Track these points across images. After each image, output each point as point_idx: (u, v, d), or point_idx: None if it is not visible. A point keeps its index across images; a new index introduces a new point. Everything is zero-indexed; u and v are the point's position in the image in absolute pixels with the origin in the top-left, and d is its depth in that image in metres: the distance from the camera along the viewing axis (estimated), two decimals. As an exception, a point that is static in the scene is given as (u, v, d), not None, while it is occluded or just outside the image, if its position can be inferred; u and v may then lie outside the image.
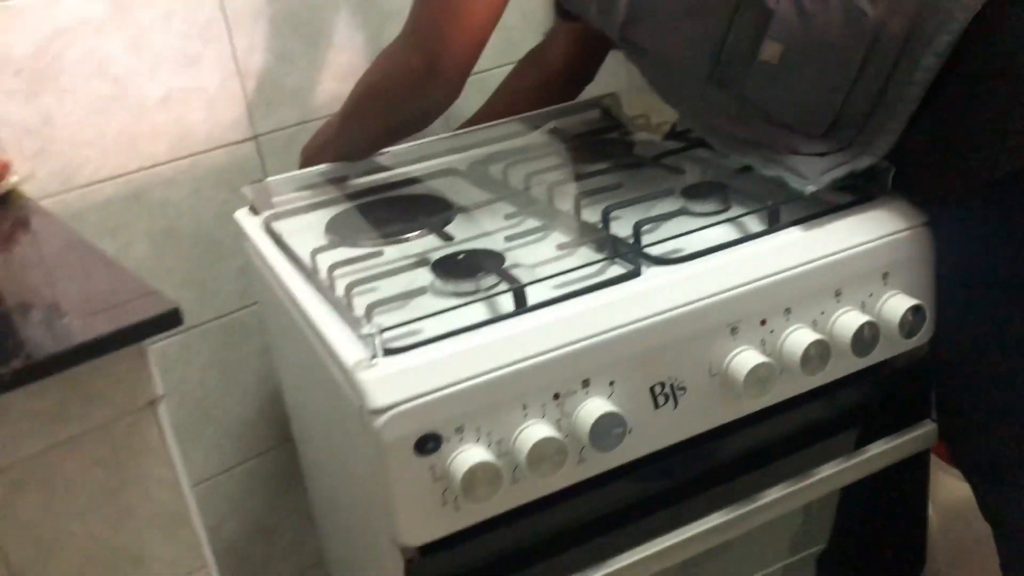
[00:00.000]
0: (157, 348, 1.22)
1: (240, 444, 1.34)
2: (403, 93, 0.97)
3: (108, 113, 1.13)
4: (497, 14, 0.93)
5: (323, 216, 1.05)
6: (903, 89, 0.79)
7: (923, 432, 0.91)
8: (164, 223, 1.20)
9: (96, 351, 0.69)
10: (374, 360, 0.71)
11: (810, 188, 0.83)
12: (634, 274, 0.79)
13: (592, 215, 0.90)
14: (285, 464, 1.36)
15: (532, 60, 1.25)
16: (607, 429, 0.74)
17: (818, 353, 0.80)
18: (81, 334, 0.70)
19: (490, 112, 1.21)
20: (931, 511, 1.08)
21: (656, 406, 0.78)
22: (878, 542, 1.04)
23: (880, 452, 0.90)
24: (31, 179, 1.08)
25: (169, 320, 0.71)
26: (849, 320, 0.82)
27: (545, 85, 1.20)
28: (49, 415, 0.70)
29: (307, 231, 1.01)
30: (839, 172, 0.82)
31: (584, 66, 1.20)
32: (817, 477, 0.88)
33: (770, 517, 0.87)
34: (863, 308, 0.83)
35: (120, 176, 1.15)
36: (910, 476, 0.99)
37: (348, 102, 1.07)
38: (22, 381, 0.66)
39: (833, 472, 0.88)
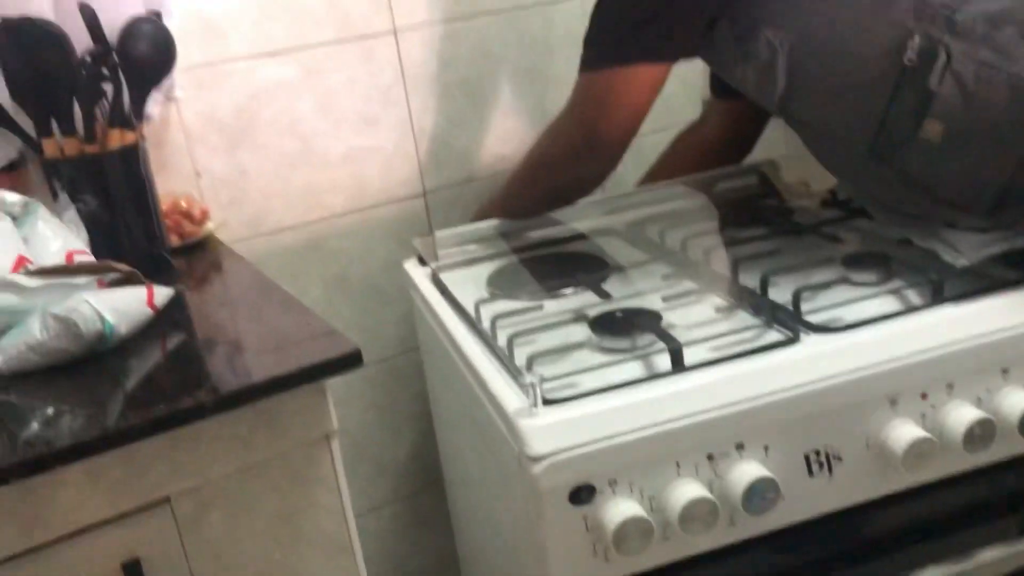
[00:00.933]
0: (322, 387, 1.30)
1: (391, 484, 1.40)
2: (564, 165, 1.03)
3: (295, 168, 1.23)
4: (656, 92, 0.97)
5: (485, 269, 1.10)
6: None
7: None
8: (337, 270, 1.29)
9: (283, 386, 0.76)
10: (534, 409, 0.75)
11: (962, 262, 0.82)
12: (792, 340, 0.80)
13: (750, 280, 0.91)
14: (433, 507, 1.41)
15: (690, 133, 1.28)
16: (760, 493, 0.74)
17: (982, 432, 0.78)
18: (270, 370, 0.76)
19: (648, 181, 1.25)
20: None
21: (811, 474, 0.78)
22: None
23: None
24: (225, 226, 1.19)
25: (350, 361, 0.77)
26: (1016, 400, 0.79)
27: (703, 157, 1.23)
28: (238, 442, 0.77)
29: (470, 283, 1.06)
30: (996, 249, 0.82)
31: (742, 140, 1.23)
32: (976, 562, 0.85)
33: (924, 599, 0.85)
34: (1034, 388, 0.81)
35: (302, 225, 1.25)
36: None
37: (516, 168, 1.13)
38: (219, 409, 0.73)
39: (994, 558, 0.85)
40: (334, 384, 1.34)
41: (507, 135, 1.36)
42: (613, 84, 0.95)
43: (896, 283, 0.88)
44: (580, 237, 1.16)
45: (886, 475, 0.80)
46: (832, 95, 0.89)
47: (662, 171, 1.26)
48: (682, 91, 1.44)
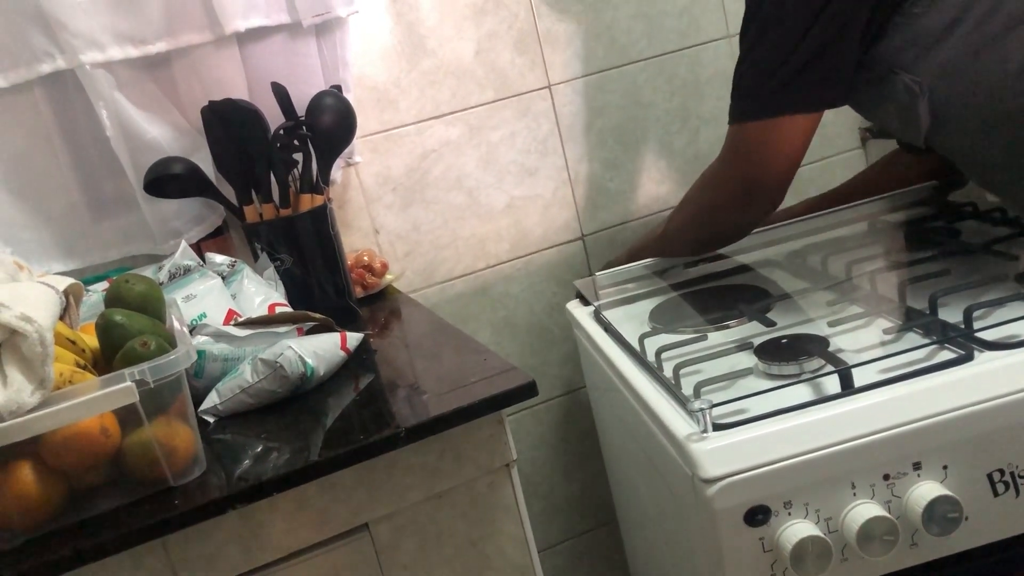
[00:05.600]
0: (495, 426, 1.36)
1: (566, 522, 1.43)
2: (724, 213, 1.05)
3: (462, 220, 1.31)
4: (809, 139, 0.97)
5: (646, 306, 1.13)
6: None
7: None
8: (504, 314, 1.35)
9: (466, 416, 0.82)
10: (705, 433, 0.77)
11: None
12: (966, 358, 0.79)
13: (918, 301, 0.91)
14: (607, 544, 1.44)
15: (876, 171, 1.27)
16: (942, 513, 0.73)
17: None
18: (454, 402, 0.82)
19: (819, 205, 1.24)
20: None
21: (995, 493, 0.76)
22: None
23: None
24: (402, 277, 1.28)
25: (527, 391, 0.82)
26: None
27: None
28: (428, 470, 0.83)
29: (632, 319, 1.10)
30: None
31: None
32: None
33: None
34: None
35: (470, 273, 1.33)
36: None
37: (674, 218, 1.15)
38: (410, 439, 0.80)
39: None
40: (508, 423, 1.39)
41: (661, 176, 1.40)
42: (767, 135, 0.96)
43: (1078, 296, 0.85)
44: (740, 270, 1.17)
45: (1080, 494, 0.77)
46: (980, 127, 0.88)
47: (835, 201, 1.24)
48: (836, 119, 1.44)
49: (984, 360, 0.79)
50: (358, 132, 1.19)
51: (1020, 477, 0.76)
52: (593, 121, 1.35)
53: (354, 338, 0.96)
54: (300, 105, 1.09)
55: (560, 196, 1.36)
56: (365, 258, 1.20)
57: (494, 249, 1.33)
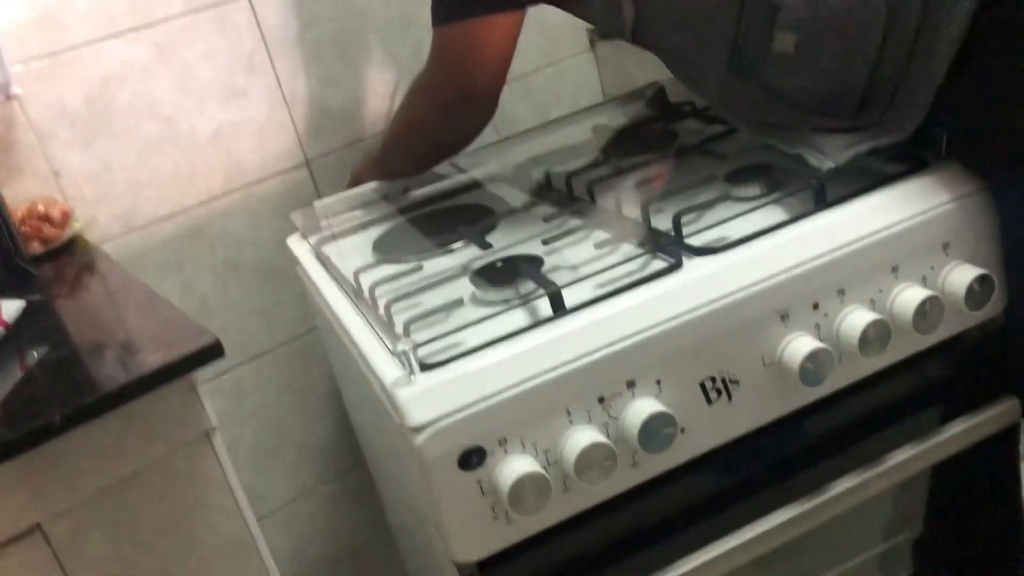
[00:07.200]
0: (231, 376, 1.25)
1: (320, 465, 1.36)
2: (439, 123, 0.99)
3: (162, 153, 1.16)
4: (516, 36, 0.93)
5: (372, 234, 1.05)
6: (927, 63, 0.76)
7: (1006, 407, 0.86)
8: (225, 255, 1.23)
9: (145, 387, 0.71)
10: (411, 377, 0.71)
11: (828, 165, 0.80)
12: (675, 267, 0.77)
13: (634, 210, 0.88)
14: (365, 483, 1.38)
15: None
16: (656, 429, 0.71)
17: (877, 334, 0.76)
18: (130, 372, 0.72)
19: None
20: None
21: (709, 402, 0.75)
22: (974, 524, 0.99)
23: (959, 432, 0.84)
24: (93, 224, 1.12)
25: (212, 352, 0.72)
26: (909, 296, 0.77)
27: None
28: (107, 454, 0.73)
29: (356, 251, 1.01)
30: (862, 148, 0.80)
31: None
32: (891, 462, 0.83)
33: (846, 507, 0.83)
34: (924, 282, 0.79)
35: (179, 213, 1.19)
36: (999, 454, 0.93)
37: (388, 134, 1.08)
38: (77, 421, 0.68)
39: (909, 456, 0.84)
40: (245, 373, 1.29)
41: (387, 90, 1.30)
42: (472, 36, 0.91)
43: (779, 194, 0.85)
44: (468, 188, 1.11)
45: (787, 393, 0.77)
46: (680, 22, 0.86)
47: None
48: (567, 23, 1.39)
49: (692, 267, 0.77)
50: (15, 59, 1.02)
51: (731, 382, 0.76)
52: (304, 33, 1.23)
53: (12, 307, 0.82)
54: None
55: (276, 119, 1.23)
56: (40, 207, 1.03)
57: (204, 183, 1.20)
